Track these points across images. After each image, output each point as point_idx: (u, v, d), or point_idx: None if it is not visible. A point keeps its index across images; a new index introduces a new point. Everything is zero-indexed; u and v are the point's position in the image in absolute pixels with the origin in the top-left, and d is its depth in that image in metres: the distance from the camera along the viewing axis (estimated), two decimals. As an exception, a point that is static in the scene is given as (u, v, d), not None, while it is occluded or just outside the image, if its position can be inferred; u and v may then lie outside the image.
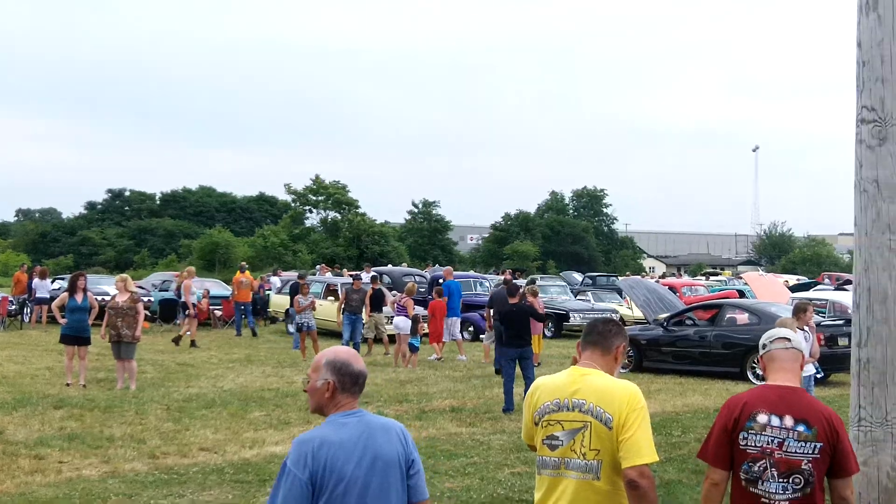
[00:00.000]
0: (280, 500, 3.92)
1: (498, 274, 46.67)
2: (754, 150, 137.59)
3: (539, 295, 21.56)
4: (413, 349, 21.35)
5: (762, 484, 4.59)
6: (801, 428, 4.59)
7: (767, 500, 4.58)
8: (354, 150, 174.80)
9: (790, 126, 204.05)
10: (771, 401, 4.66)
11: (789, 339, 4.89)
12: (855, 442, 5.72)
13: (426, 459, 11.24)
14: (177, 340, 24.70)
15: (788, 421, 4.61)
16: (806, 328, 12.59)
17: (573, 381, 4.58)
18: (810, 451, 4.57)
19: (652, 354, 20.58)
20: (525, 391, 14.63)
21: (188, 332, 25.05)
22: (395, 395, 16.41)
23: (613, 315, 30.14)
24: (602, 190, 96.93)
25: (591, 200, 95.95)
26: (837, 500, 4.70)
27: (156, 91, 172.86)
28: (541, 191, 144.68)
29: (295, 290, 23.71)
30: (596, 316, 28.94)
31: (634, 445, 4.34)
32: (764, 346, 4.92)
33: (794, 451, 4.57)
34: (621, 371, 19.78)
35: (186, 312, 25.25)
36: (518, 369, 15.06)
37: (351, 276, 27.26)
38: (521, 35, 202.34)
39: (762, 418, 4.62)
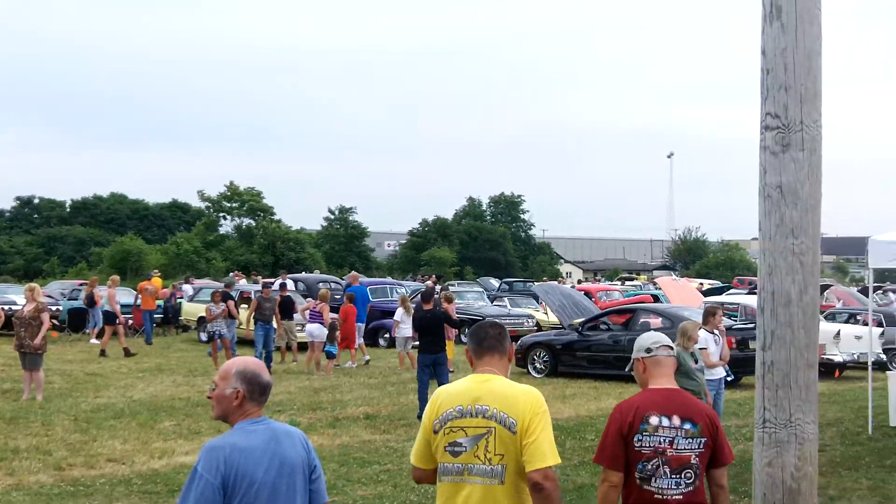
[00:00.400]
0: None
1: (415, 280, 46.66)
2: (669, 157, 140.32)
3: (455, 301, 21.59)
4: (330, 356, 21.23)
5: (655, 481, 4.90)
6: (687, 426, 4.95)
7: (661, 496, 4.89)
8: (270, 156, 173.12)
9: (705, 132, 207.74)
10: (659, 403, 5.00)
11: (671, 347, 5.31)
12: (759, 444, 5.81)
13: (339, 467, 11.19)
14: (126, 351, 24.16)
15: (676, 420, 4.95)
16: (716, 331, 12.78)
17: (475, 388, 4.65)
18: (697, 447, 4.96)
19: (567, 359, 20.75)
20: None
21: (97, 341, 24.56)
22: (308, 403, 16.28)
23: (529, 321, 30.33)
24: (519, 196, 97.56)
25: (508, 206, 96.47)
26: (716, 488, 5.11)
27: (64, 94, 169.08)
28: (458, 197, 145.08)
29: (224, 298, 23.00)
30: (501, 321, 29.28)
31: (538, 449, 4.44)
32: (649, 350, 5.22)
33: (683, 447, 4.93)
34: (536, 377, 20.00)
35: (117, 321, 24.79)
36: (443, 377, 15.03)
37: (263, 283, 26.91)
38: (440, 39, 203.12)
39: (654, 420, 4.94)
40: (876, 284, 52.33)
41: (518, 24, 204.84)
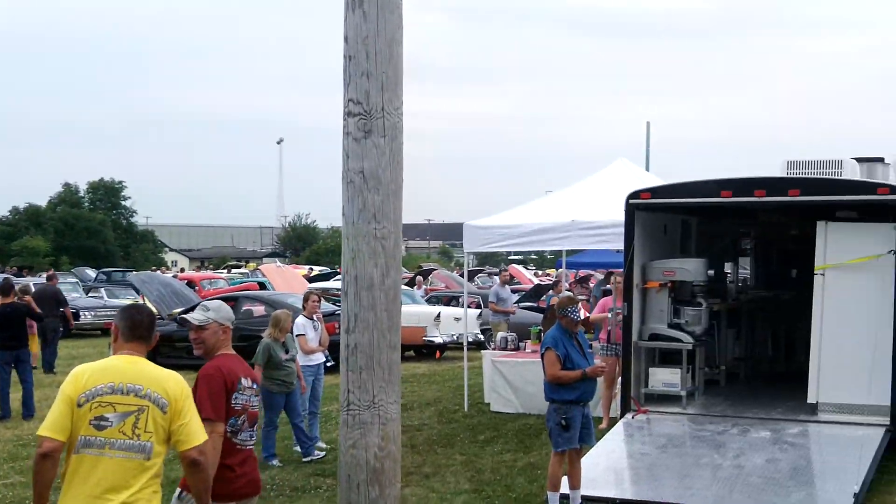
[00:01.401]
0: None
1: (3, 272, 43.70)
2: (279, 143, 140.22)
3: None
4: None
5: (241, 434, 5.63)
6: (255, 386, 5.79)
7: (242, 447, 5.65)
8: None
9: (315, 118, 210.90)
10: (240, 367, 5.71)
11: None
12: (344, 426, 5.91)
13: None
14: None
15: (250, 381, 5.73)
16: (314, 317, 12.88)
17: (125, 368, 4.90)
18: (257, 404, 5.83)
19: (166, 350, 20.12)
20: (23, 395, 13.54)
21: None
22: None
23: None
24: (121, 182, 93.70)
25: (108, 193, 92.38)
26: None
27: None
28: (53, 183, 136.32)
29: None
30: (122, 306, 28.07)
31: (192, 429, 4.90)
32: (233, 322, 5.86)
33: (253, 404, 5.74)
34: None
35: None
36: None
37: None
38: (35, 19, 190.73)
39: (244, 381, 5.66)
40: (478, 268, 55.64)
41: (124, 4, 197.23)
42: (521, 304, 25.33)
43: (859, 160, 12.89)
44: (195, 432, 4.91)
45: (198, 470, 4.93)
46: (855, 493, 9.25)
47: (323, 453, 11.85)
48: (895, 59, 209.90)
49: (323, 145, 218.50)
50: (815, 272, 11.59)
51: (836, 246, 11.48)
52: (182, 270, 54.42)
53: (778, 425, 11.39)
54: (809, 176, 12.17)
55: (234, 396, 5.56)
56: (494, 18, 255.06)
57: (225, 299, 21.95)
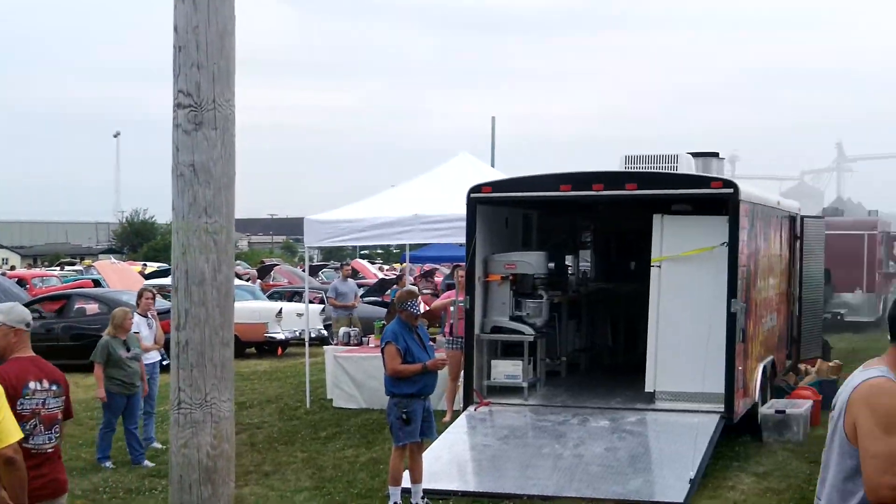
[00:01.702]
0: None
1: None
2: (116, 136, 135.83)
3: None
4: None
5: (34, 439, 5.62)
6: (54, 387, 5.82)
7: (37, 451, 5.65)
8: None
9: (155, 110, 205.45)
10: (33, 370, 5.73)
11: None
12: (175, 425, 5.72)
13: None
14: None
15: (46, 384, 5.76)
16: (149, 314, 12.55)
17: None
18: (60, 405, 5.87)
19: (-4, 351, 19.33)
20: None
21: None
22: None
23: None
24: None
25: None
26: (62, 436, 6.08)
27: None
28: None
29: None
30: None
31: (5, 426, 4.93)
32: (29, 324, 5.89)
33: (52, 406, 5.78)
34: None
35: None
36: None
37: None
38: None
39: (33, 385, 5.68)
40: (322, 263, 55.21)
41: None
42: (366, 299, 25.26)
43: (695, 155, 13.27)
44: (9, 430, 4.93)
45: (14, 468, 4.96)
46: (691, 479, 9.52)
47: (153, 464, 11.36)
48: (743, 58, 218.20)
49: (163, 138, 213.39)
50: (651, 264, 11.86)
51: (671, 238, 11.78)
52: (13, 268, 52.27)
53: (617, 414, 11.63)
54: (646, 170, 12.45)
55: (18, 402, 5.54)
56: (340, 11, 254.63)
57: (57, 297, 21.34)
